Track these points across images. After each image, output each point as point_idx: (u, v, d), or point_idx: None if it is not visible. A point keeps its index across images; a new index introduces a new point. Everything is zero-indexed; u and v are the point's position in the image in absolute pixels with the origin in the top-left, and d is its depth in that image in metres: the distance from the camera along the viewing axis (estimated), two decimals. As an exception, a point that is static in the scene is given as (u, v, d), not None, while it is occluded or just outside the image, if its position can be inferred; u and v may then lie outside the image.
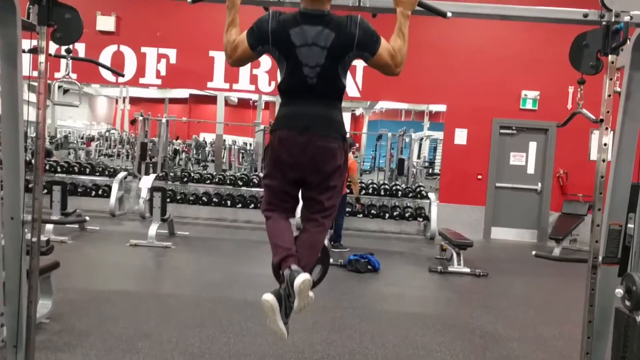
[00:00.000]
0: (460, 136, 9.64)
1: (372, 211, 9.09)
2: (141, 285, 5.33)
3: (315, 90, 2.49)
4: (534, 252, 2.90)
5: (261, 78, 9.68)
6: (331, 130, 2.52)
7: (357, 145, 13.94)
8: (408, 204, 9.37)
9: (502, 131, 9.61)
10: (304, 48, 2.44)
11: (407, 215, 9.12)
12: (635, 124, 2.63)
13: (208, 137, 23.68)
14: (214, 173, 10.27)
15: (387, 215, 9.09)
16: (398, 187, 9.46)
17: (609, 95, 2.39)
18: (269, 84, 9.68)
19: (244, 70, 9.61)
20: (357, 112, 33.62)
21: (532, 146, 9.71)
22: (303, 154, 2.48)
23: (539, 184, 9.63)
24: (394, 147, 15.55)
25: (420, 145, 18.44)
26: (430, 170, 19.01)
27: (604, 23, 2.38)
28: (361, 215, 8.97)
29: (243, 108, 22.89)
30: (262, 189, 2.77)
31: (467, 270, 6.39)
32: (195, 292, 5.00)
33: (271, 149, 2.57)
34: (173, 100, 23.53)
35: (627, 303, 2.36)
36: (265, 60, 9.54)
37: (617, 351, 2.51)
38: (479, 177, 9.61)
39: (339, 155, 2.54)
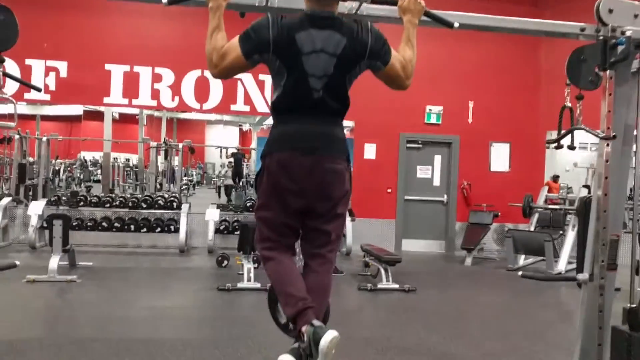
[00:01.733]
0: (369, 151, 9.69)
1: (287, 230, 8.81)
2: (55, 330, 4.65)
3: (321, 105, 2.20)
4: (520, 273, 2.82)
5: (163, 93, 9.10)
6: (339, 151, 2.25)
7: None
8: (322, 221, 9.19)
9: (408, 145, 9.80)
10: (311, 56, 2.14)
11: (322, 232, 8.93)
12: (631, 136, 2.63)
13: (88, 156, 22.19)
14: (114, 195, 9.47)
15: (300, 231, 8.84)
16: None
17: (609, 111, 2.35)
18: (172, 99, 9.11)
19: (145, 85, 8.98)
20: (245, 128, 33.32)
21: (437, 159, 9.99)
22: (309, 178, 2.18)
23: (445, 196, 9.92)
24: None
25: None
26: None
27: (600, 37, 2.34)
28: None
29: (122, 123, 21.58)
30: (256, 222, 2.40)
31: (396, 286, 6.33)
32: (123, 333, 4.43)
33: (267, 175, 2.23)
34: (46, 118, 21.79)
35: None
36: (168, 75, 9.00)
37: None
38: (389, 190, 9.71)
39: (347, 179, 2.28)
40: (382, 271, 6.42)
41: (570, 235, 8.62)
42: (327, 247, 2.34)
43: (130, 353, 3.90)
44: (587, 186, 10.65)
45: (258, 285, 6.04)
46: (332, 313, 5.24)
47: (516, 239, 8.30)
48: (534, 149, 10.10)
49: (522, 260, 8.67)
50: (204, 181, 27.94)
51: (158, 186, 15.15)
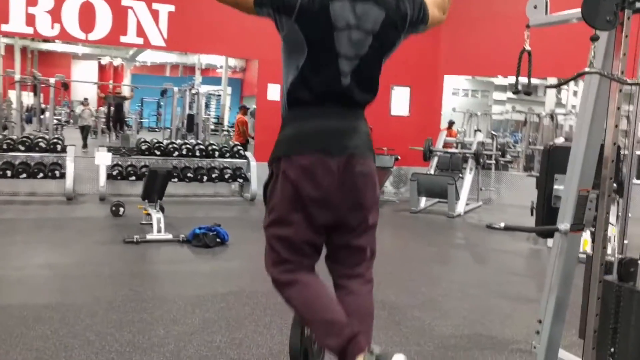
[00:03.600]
0: (273, 92, 9.23)
1: (189, 174, 8.24)
2: None
3: (348, 94, 1.80)
4: (502, 225, 2.68)
5: (41, 19, 7.88)
6: (369, 149, 1.87)
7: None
8: (225, 165, 8.71)
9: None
10: (344, 32, 1.71)
11: (226, 176, 8.48)
12: (606, 85, 2.51)
13: None
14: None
15: (205, 177, 8.33)
16: (214, 147, 8.71)
17: (624, 54, 2.19)
18: (52, 27, 7.94)
19: (17, 8, 7.71)
20: (116, 63, 30.97)
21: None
22: (337, 185, 1.77)
23: (348, 139, 9.79)
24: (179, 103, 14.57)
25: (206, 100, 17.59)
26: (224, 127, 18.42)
27: (620, -28, 2.15)
28: (176, 180, 8.04)
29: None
30: (266, 245, 1.94)
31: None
32: (25, 298, 3.79)
33: (284, 184, 1.79)
34: None
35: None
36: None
37: (606, 323, 2.42)
38: (293, 133, 9.38)
39: (377, 182, 1.89)
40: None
41: (468, 178, 8.95)
42: (364, 265, 1.93)
43: (40, 322, 3.33)
44: (479, 130, 11.10)
45: (170, 236, 5.55)
46: (251, 265, 4.95)
47: (420, 183, 8.42)
48: (432, 94, 10.23)
49: (423, 202, 8.87)
50: (71, 120, 25.76)
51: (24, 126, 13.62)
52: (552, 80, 10.82)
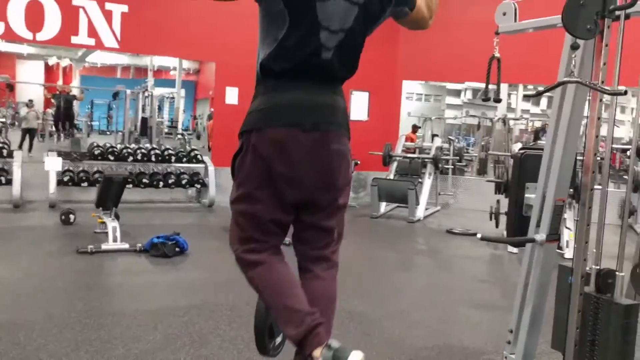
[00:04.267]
0: (231, 95, 9.05)
1: (144, 180, 7.97)
2: None
3: (328, 68, 1.69)
4: (478, 236, 2.64)
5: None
6: (345, 127, 1.77)
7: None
8: (182, 170, 8.46)
9: None
10: (328, 2, 1.61)
11: (183, 182, 8.24)
12: (584, 94, 2.50)
13: None
14: None
15: (161, 183, 8.08)
16: (170, 151, 8.46)
17: (604, 64, 2.17)
18: (-3, 25, 7.55)
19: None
20: (64, 63, 29.93)
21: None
22: (310, 162, 1.69)
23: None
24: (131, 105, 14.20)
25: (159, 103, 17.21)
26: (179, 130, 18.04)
27: (600, -19, 2.13)
28: (131, 186, 7.75)
29: None
30: (232, 221, 1.82)
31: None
32: None
33: (254, 158, 1.70)
34: None
35: None
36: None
37: (584, 336, 2.39)
38: (252, 138, 9.21)
39: (351, 162, 1.80)
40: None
41: (427, 183, 8.99)
42: (331, 247, 1.86)
43: None
44: (436, 134, 11.20)
45: (126, 245, 5.32)
46: (213, 276, 4.79)
47: (381, 188, 8.40)
48: (391, 99, 10.25)
49: (383, 207, 8.85)
50: (15, 122, 24.77)
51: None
52: (504, 87, 10.94)
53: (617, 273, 2.35)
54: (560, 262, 2.76)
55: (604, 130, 2.50)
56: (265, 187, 1.71)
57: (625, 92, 2.08)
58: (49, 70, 30.49)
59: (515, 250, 6.26)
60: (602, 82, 2.19)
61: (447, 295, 4.66)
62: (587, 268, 2.46)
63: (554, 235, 2.66)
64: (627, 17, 2.29)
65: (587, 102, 2.44)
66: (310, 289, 1.77)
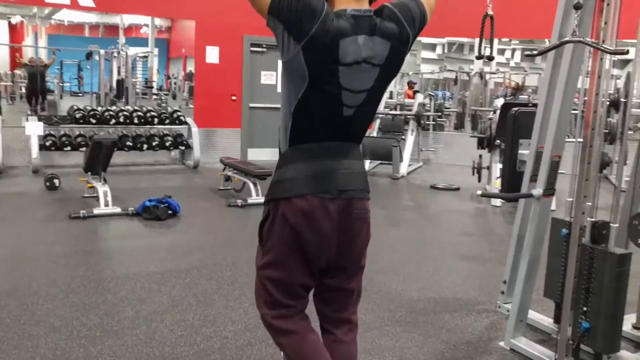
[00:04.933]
0: (212, 54, 8.93)
1: (128, 143, 7.90)
2: None
3: (347, 126, 1.71)
4: (479, 192, 2.72)
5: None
6: (366, 189, 1.80)
7: None
8: (165, 132, 8.40)
9: (252, 49, 9.23)
10: (352, 67, 1.61)
11: (167, 144, 8.19)
12: (582, 53, 2.57)
13: None
14: None
15: (145, 146, 8.02)
16: (153, 113, 8.36)
17: (605, 23, 2.24)
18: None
19: None
20: (28, 22, 28.89)
21: (281, 64, 9.60)
22: (336, 228, 1.71)
23: (289, 103, 9.67)
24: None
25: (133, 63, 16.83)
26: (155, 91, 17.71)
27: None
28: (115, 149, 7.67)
29: None
30: (258, 284, 1.86)
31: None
32: None
33: (283, 227, 1.71)
34: None
35: None
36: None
37: (579, 284, 2.53)
38: (233, 97, 9.16)
39: (370, 224, 1.85)
40: (251, 185, 6.08)
41: (410, 140, 9.10)
42: (352, 308, 1.92)
43: (-4, 309, 3.14)
44: (417, 90, 11.24)
45: (118, 209, 5.34)
46: (209, 237, 4.86)
47: (365, 145, 8.46)
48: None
49: (367, 164, 8.95)
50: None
51: None
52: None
53: (611, 225, 2.48)
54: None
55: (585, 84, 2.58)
56: (294, 253, 1.74)
57: (627, 52, 2.16)
58: (13, 29, 29.40)
59: (499, 203, 6.44)
60: (603, 41, 2.27)
61: (437, 249, 4.81)
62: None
63: (550, 190, 2.78)
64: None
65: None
66: (335, 354, 1.84)
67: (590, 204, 2.52)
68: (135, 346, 2.78)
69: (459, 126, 12.55)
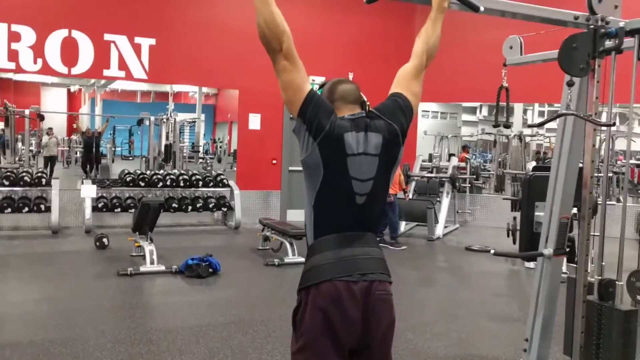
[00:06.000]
0: (254, 121, 9.45)
1: (173, 204, 8.36)
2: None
3: (363, 214, 1.96)
4: (492, 252, 2.91)
5: (23, 54, 7.99)
6: (386, 272, 2.01)
7: None
8: (208, 194, 8.85)
9: (292, 116, 9.68)
10: (355, 157, 1.92)
11: (210, 206, 8.62)
12: (582, 123, 2.79)
13: None
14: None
15: (189, 207, 8.46)
16: (197, 176, 8.85)
17: (597, 98, 2.48)
18: (35, 62, 8.05)
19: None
20: (85, 91, 30.69)
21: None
22: (362, 309, 1.90)
23: (327, 166, 10.03)
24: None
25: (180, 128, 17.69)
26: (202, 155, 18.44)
27: (591, 27, 2.44)
28: (162, 211, 8.13)
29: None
30: None
31: (303, 259, 6.29)
32: (29, 335, 3.86)
33: (313, 312, 1.90)
34: None
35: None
36: (27, 33, 7.92)
37: (589, 340, 2.66)
38: (274, 161, 9.59)
39: (393, 304, 2.02)
40: (288, 245, 6.35)
41: (445, 202, 9.26)
42: None
43: (52, 357, 3.44)
44: (452, 154, 11.46)
45: (162, 267, 5.67)
46: (246, 294, 5.11)
47: (400, 207, 8.67)
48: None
49: (403, 226, 9.12)
50: (41, 150, 25.45)
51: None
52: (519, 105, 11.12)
53: (617, 282, 2.63)
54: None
55: (623, 145, 2.77)
56: (324, 336, 1.91)
57: (614, 124, 2.38)
58: (71, 97, 31.29)
59: (532, 265, 6.49)
60: (595, 114, 2.50)
61: (467, 309, 4.92)
62: (592, 278, 2.74)
63: (561, 250, 2.94)
64: (619, 52, 2.58)
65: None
66: None
67: (599, 262, 2.67)
68: (174, 392, 3.02)
69: (499, 189, 12.63)
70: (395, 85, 2.17)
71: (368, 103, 2.05)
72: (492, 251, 2.87)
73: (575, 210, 3.70)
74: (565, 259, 4.94)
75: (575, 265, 6.25)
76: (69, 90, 30.79)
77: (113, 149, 21.39)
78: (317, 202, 1.95)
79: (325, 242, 1.96)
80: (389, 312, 1.99)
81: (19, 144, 16.11)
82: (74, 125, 22.22)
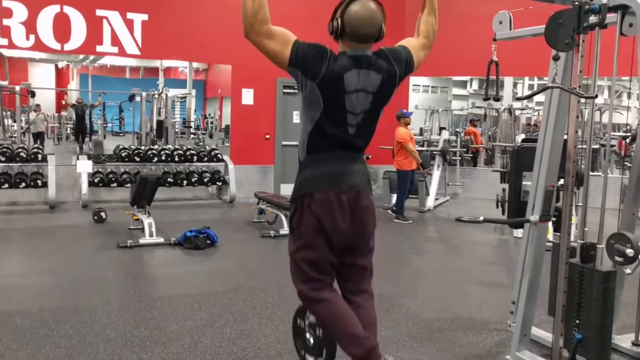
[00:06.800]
0: (247, 96, 9.52)
1: (169, 179, 8.47)
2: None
3: (352, 141, 2.25)
4: (481, 218, 3.06)
5: (16, 30, 7.99)
6: (369, 186, 2.34)
7: None
8: (203, 169, 8.96)
9: (285, 91, 9.79)
10: (353, 94, 2.18)
11: (205, 180, 8.74)
12: (567, 95, 2.93)
13: None
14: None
15: (185, 182, 8.58)
16: (192, 151, 8.95)
17: (581, 71, 2.62)
18: (27, 38, 8.05)
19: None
20: (74, 66, 30.39)
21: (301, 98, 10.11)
22: (350, 216, 2.24)
23: (320, 140, 10.14)
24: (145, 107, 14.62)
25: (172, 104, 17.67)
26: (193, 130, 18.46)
27: (576, 3, 2.57)
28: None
29: None
30: (293, 266, 2.39)
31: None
32: (40, 303, 4.01)
33: (309, 216, 2.22)
34: None
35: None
36: (19, 9, 7.91)
37: (571, 299, 2.84)
38: (267, 136, 9.69)
39: (375, 213, 2.38)
40: (283, 217, 6.50)
41: (436, 175, 9.43)
42: (367, 281, 2.41)
43: (61, 323, 3.58)
44: (443, 127, 11.61)
45: (161, 239, 5.81)
46: (244, 264, 5.28)
47: (392, 180, 8.84)
48: (398, 94, 10.61)
49: (394, 199, 9.28)
50: (31, 127, 25.31)
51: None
52: (509, 79, 11.24)
53: (597, 245, 2.80)
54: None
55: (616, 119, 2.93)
56: (319, 236, 2.23)
57: (596, 96, 2.53)
58: (59, 73, 30.99)
59: (520, 234, 6.70)
60: (579, 87, 2.64)
61: (458, 276, 5.11)
62: (575, 243, 2.92)
63: (546, 216, 3.11)
64: (603, 26, 2.71)
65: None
66: (358, 317, 2.30)
67: (585, 228, 2.84)
68: (180, 354, 3.18)
69: (489, 162, 12.82)
70: (405, 43, 2.40)
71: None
72: (480, 218, 3.03)
73: (562, 181, 3.89)
74: (552, 228, 5.14)
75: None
76: (56, 66, 30.54)
77: (104, 125, 21.37)
78: (314, 129, 2.20)
79: (316, 157, 2.24)
80: (374, 218, 2.36)
81: (9, 121, 16.09)
82: (63, 101, 22.10)
